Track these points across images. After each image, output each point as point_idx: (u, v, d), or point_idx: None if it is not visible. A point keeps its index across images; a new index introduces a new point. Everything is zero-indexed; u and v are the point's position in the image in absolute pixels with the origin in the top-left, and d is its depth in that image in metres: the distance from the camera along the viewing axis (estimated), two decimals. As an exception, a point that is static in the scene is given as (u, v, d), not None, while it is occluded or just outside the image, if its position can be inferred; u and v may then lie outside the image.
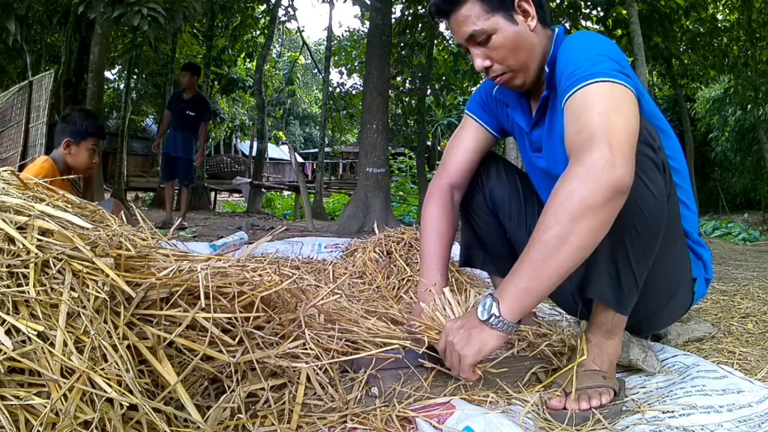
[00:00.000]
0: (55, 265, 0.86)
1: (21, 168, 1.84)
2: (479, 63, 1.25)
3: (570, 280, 1.06)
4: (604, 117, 0.99)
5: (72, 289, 0.84)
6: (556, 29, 1.27)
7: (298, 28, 14.83)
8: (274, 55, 18.34)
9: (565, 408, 1.05)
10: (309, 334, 1.14)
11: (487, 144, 1.46)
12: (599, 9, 8.07)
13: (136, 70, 12.03)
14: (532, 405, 1.07)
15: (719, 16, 10.18)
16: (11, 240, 0.88)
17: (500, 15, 1.21)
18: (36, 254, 0.85)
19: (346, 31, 14.57)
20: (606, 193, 0.95)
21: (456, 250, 1.58)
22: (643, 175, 1.04)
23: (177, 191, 6.19)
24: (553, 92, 1.24)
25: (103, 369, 0.79)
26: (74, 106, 6.24)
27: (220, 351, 0.96)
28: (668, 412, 1.04)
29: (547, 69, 1.24)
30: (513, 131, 1.43)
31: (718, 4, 9.88)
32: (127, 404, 0.78)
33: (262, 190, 11.66)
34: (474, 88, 8.54)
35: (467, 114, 1.48)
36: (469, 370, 1.09)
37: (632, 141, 0.99)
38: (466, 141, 1.46)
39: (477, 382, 1.15)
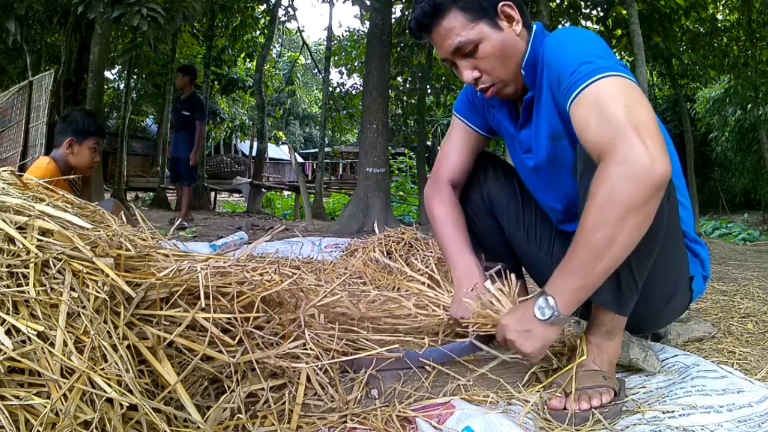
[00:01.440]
0: (55, 265, 0.86)
1: (21, 168, 1.84)
2: (468, 75, 1.22)
3: None
4: (630, 110, 0.97)
5: (72, 289, 0.84)
6: (534, 27, 1.24)
7: (298, 28, 14.80)
8: (274, 55, 18.32)
9: (565, 408, 1.05)
10: (309, 334, 1.14)
11: (478, 144, 1.46)
12: (599, 9, 8.07)
13: (136, 70, 12.02)
14: (532, 405, 1.07)
15: (719, 16, 10.16)
16: (11, 240, 0.88)
17: (484, 22, 1.18)
18: (36, 254, 0.85)
19: (346, 31, 14.52)
20: (650, 190, 0.94)
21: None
22: None
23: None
24: (537, 92, 1.22)
25: (103, 369, 0.79)
26: (74, 107, 6.27)
27: (220, 351, 0.96)
28: (668, 412, 1.04)
29: (523, 72, 1.22)
30: (500, 132, 1.43)
31: (718, 4, 9.87)
32: (127, 404, 0.78)
33: (262, 190, 11.65)
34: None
35: (455, 115, 1.47)
36: (539, 358, 1.13)
37: (660, 132, 0.98)
38: (457, 143, 1.45)
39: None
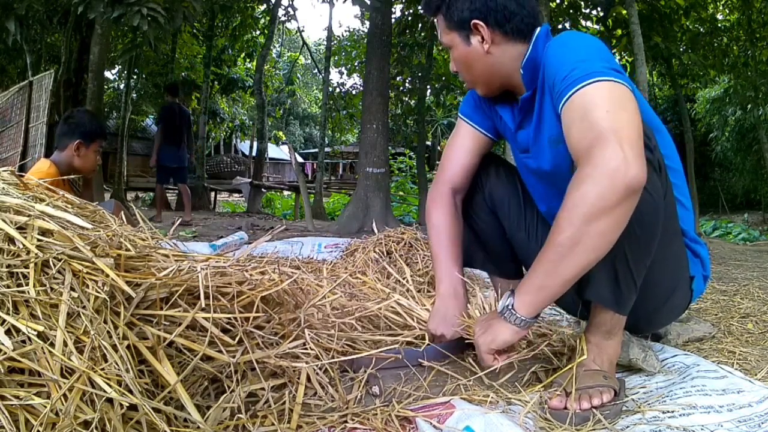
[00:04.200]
0: (55, 265, 0.86)
1: (21, 168, 1.83)
2: (451, 66, 1.36)
3: None
4: (610, 115, 0.98)
5: (72, 289, 0.85)
6: (538, 29, 1.26)
7: (298, 28, 14.81)
8: (274, 55, 18.32)
9: (565, 407, 1.05)
10: (309, 334, 1.14)
11: (483, 146, 1.45)
12: (599, 9, 8.06)
13: (136, 70, 12.01)
14: (532, 405, 1.07)
15: (719, 16, 10.15)
16: (11, 240, 0.88)
17: (457, 34, 1.27)
18: (36, 254, 0.85)
19: (346, 31, 14.53)
20: (620, 194, 0.94)
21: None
22: None
23: (177, 192, 6.48)
24: (539, 93, 1.23)
25: (103, 369, 0.79)
26: (77, 108, 6.29)
27: (220, 351, 0.97)
28: (668, 412, 1.04)
29: (522, 71, 1.24)
30: (504, 131, 1.43)
31: (718, 4, 9.86)
32: (127, 404, 0.78)
33: (262, 190, 11.65)
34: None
35: (461, 117, 1.47)
36: (487, 359, 1.14)
37: (641, 138, 0.99)
38: (463, 145, 1.45)
39: (498, 373, 1.21)
